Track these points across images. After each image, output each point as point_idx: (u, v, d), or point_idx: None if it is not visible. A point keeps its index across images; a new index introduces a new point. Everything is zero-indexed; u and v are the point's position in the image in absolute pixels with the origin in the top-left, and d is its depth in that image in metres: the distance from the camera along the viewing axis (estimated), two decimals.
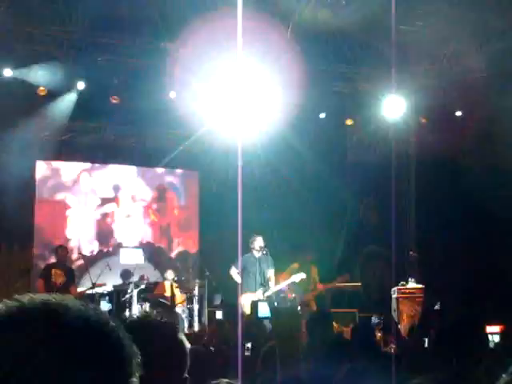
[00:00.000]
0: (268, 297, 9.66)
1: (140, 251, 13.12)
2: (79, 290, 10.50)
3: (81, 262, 11.56)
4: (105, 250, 13.44)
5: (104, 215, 13.62)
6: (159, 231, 14.09)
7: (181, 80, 11.75)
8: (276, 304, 9.32)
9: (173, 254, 13.93)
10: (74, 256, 12.33)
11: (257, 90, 11.43)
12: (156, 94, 11.84)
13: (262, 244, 9.82)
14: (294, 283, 10.06)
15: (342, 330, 10.14)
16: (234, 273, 10.05)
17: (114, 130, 13.54)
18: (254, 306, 8.87)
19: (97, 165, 13.71)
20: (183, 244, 14.16)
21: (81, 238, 13.28)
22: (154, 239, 14.01)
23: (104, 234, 13.56)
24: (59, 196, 13.28)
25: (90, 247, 13.30)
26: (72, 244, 13.04)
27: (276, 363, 3.78)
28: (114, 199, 13.76)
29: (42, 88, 11.23)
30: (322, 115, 12.84)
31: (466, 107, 12.69)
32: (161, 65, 11.64)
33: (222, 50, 10.55)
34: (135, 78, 11.85)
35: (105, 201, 13.66)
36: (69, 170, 13.51)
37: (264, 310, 8.78)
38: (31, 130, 12.80)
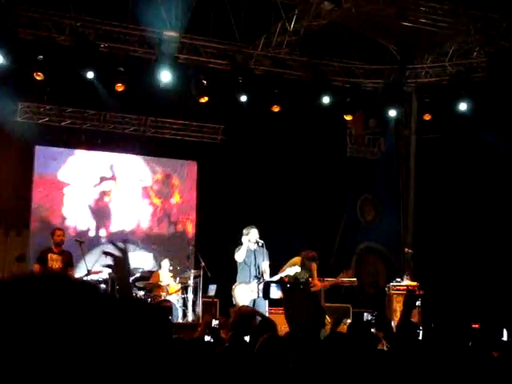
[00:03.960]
0: (280, 280, 9.62)
1: (150, 255, 12.92)
2: (76, 276, 10.47)
3: (77, 248, 11.50)
4: (102, 235, 13.41)
5: (102, 194, 13.60)
6: (158, 215, 14.06)
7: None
8: (288, 286, 9.25)
9: (169, 243, 13.91)
10: (71, 237, 12.24)
11: None
12: (156, 82, 11.82)
13: (258, 236, 9.79)
14: (288, 276, 10.05)
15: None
16: (241, 255, 9.87)
17: (113, 117, 13.52)
18: (267, 287, 8.86)
19: (96, 151, 13.69)
20: (180, 233, 14.15)
21: (77, 217, 13.26)
22: (152, 222, 13.97)
23: (101, 213, 13.53)
24: (57, 174, 13.24)
25: (87, 226, 13.28)
26: (68, 223, 13.05)
27: (278, 351, 3.78)
28: (113, 178, 13.73)
29: (39, 73, 11.17)
30: (320, 110, 12.76)
31: (468, 105, 12.68)
32: (161, 53, 11.63)
33: None
34: (138, 65, 11.84)
35: (103, 180, 13.64)
36: (68, 154, 13.48)
37: (275, 293, 8.78)
38: (31, 114, 12.82)
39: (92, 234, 13.32)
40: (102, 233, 13.43)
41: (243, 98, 12.26)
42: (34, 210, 12.90)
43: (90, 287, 0.99)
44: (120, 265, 2.81)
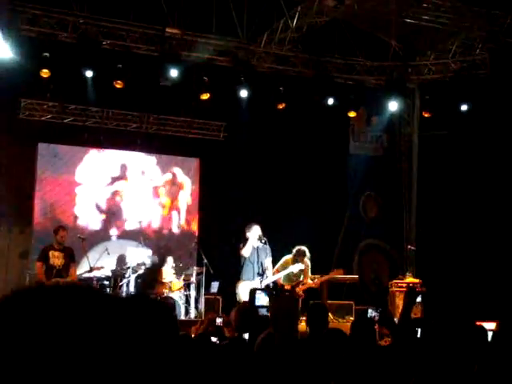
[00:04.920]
0: (266, 286, 9.65)
1: (149, 251, 13.06)
2: (78, 272, 10.49)
3: (80, 245, 11.51)
4: (112, 234, 13.43)
5: (114, 194, 13.63)
6: (165, 215, 14.08)
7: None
8: (274, 293, 9.31)
9: (174, 240, 13.94)
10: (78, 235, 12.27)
11: None
12: (158, 79, 11.82)
13: (260, 233, 9.79)
14: (290, 274, 10.06)
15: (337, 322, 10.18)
16: (247, 250, 9.86)
17: (116, 114, 13.52)
18: (252, 293, 8.89)
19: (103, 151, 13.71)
20: (185, 230, 14.17)
21: (89, 216, 13.30)
22: (160, 222, 13.99)
23: (113, 213, 13.56)
24: (69, 173, 13.26)
25: (96, 225, 13.32)
26: (80, 222, 13.11)
27: (273, 350, 3.79)
28: (124, 178, 13.76)
29: (45, 70, 11.19)
30: (324, 107, 12.76)
31: (471, 102, 12.66)
32: (164, 51, 11.64)
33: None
34: (138, 62, 11.85)
35: (114, 179, 13.67)
36: (75, 150, 13.50)
37: (262, 299, 8.82)
38: (33, 111, 12.83)
39: (102, 232, 13.35)
40: (113, 232, 13.48)
41: (245, 95, 12.26)
42: (39, 208, 12.92)
43: (89, 292, 1.00)
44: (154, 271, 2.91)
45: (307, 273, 10.19)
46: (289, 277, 10.05)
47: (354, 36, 12.71)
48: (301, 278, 10.12)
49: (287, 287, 9.91)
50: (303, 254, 10.03)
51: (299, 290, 10.05)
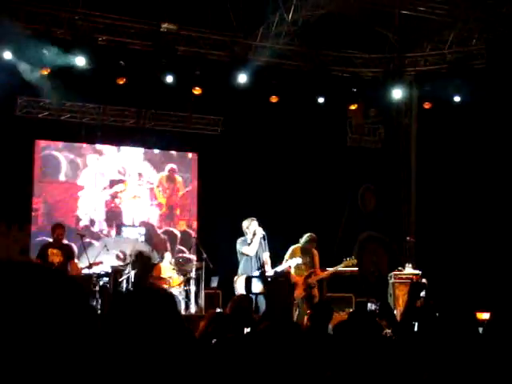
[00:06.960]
0: (261, 273, 9.60)
1: (142, 229, 13.37)
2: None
3: (79, 242, 11.53)
4: (104, 230, 13.49)
5: (113, 196, 13.67)
6: (164, 213, 14.11)
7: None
8: (269, 280, 9.29)
9: (173, 236, 13.96)
10: (77, 232, 12.28)
11: None
12: (156, 75, 11.82)
13: (258, 227, 9.78)
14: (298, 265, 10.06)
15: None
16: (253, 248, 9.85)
17: (113, 110, 13.50)
18: (248, 281, 8.97)
19: (102, 146, 13.70)
20: (184, 226, 14.18)
21: (90, 219, 13.36)
22: (159, 221, 14.02)
23: (113, 214, 13.60)
24: (70, 176, 13.32)
25: (99, 228, 13.37)
26: (82, 224, 13.16)
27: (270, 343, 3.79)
28: (122, 181, 13.80)
29: (45, 68, 11.19)
30: (321, 100, 12.79)
31: (467, 93, 12.64)
32: (160, 46, 11.63)
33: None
34: (136, 58, 11.84)
35: (113, 182, 13.70)
36: (74, 150, 13.51)
37: (257, 287, 8.92)
38: (30, 109, 12.82)
39: (102, 233, 13.40)
40: (114, 233, 13.53)
41: (242, 89, 12.25)
42: (41, 210, 12.98)
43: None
44: (141, 260, 2.90)
45: (318, 262, 10.17)
46: (299, 269, 10.02)
47: (350, 28, 12.68)
48: (311, 270, 10.10)
49: (298, 279, 9.88)
50: (313, 240, 10.03)
51: (311, 280, 10.01)
